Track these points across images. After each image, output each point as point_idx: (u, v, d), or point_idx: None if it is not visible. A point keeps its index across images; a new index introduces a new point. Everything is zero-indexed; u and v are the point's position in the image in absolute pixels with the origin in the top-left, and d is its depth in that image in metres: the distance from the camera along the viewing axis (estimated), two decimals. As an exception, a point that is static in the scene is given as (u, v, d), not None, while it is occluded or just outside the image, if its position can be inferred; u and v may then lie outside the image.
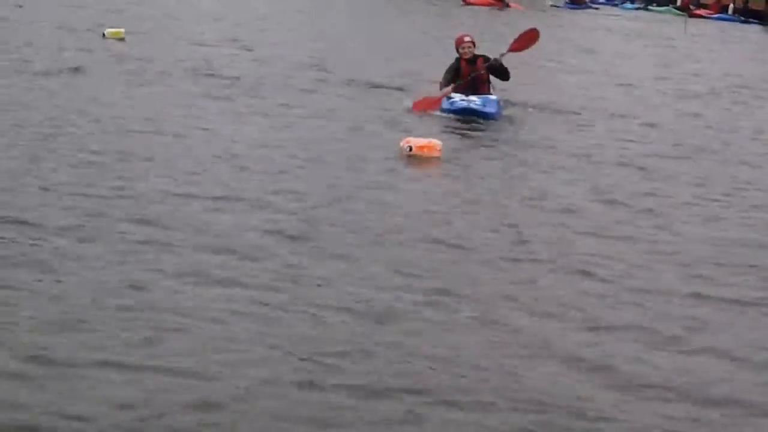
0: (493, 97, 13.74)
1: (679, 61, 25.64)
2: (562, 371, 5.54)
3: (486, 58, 13.78)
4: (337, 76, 16.47)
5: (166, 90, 13.98)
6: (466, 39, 13.93)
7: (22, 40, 17.65)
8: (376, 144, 11.40)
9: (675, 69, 23.23)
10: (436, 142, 10.98)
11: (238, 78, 15.48)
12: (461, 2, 41.12)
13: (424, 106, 13.57)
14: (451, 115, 13.22)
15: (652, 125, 14.49)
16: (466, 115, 13.18)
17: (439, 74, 13.94)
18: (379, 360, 5.47)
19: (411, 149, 10.75)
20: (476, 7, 39.83)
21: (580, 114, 14.77)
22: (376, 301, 6.31)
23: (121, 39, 18.92)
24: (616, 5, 49.37)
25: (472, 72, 13.67)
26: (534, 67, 19.00)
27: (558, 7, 46.10)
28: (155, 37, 20.07)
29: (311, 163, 10.18)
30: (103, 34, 18.98)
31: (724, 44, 33.73)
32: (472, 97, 13.43)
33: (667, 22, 40.47)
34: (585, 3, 46.61)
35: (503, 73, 13.87)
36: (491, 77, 13.92)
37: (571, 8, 45.42)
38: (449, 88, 13.64)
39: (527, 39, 14.36)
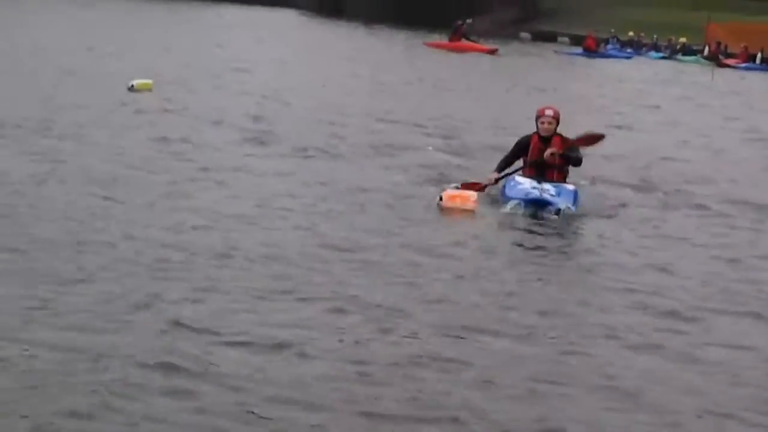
0: (569, 186, 11.02)
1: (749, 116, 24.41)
2: None
3: (565, 140, 11.15)
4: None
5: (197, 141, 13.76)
6: (548, 112, 11.25)
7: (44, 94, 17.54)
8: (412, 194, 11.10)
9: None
10: (470, 193, 10.57)
11: (263, 127, 15.36)
12: (423, 43, 41.38)
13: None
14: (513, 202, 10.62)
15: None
16: (535, 206, 10.54)
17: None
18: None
19: (441, 199, 10.33)
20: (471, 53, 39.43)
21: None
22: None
23: (149, 90, 18.74)
24: (630, 55, 48.59)
25: (541, 153, 11.09)
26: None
27: (560, 53, 45.87)
28: (183, 88, 19.93)
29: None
30: (132, 86, 18.78)
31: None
32: (546, 185, 10.77)
33: (699, 73, 40.13)
34: (598, 51, 46.28)
35: (576, 163, 11.31)
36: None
37: (587, 56, 45.04)
38: (511, 170, 11.26)
39: (591, 140, 11.47)
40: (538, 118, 11.29)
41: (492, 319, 7.06)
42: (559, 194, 10.67)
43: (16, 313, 6.34)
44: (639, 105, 25.16)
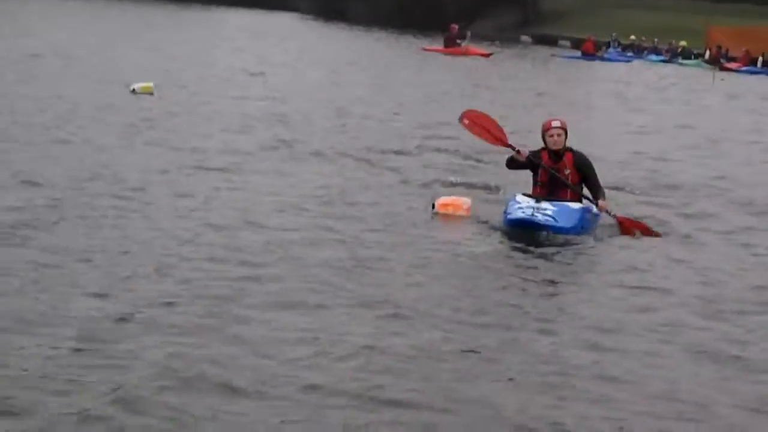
0: (575, 205, 9.99)
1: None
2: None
3: (576, 154, 10.26)
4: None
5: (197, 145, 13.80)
6: (555, 124, 10.24)
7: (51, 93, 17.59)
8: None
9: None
10: (463, 200, 10.58)
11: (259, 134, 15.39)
12: (421, 48, 41.54)
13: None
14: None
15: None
16: (527, 228, 9.64)
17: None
18: None
19: (434, 207, 10.33)
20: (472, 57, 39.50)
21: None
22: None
23: (150, 93, 18.80)
24: (630, 59, 48.55)
25: (553, 170, 10.17)
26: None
27: (558, 56, 45.93)
28: (184, 91, 19.98)
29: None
30: (133, 90, 18.85)
31: None
32: (545, 204, 9.85)
33: (700, 76, 40.12)
34: (596, 54, 46.40)
35: (597, 186, 10.31)
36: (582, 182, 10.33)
37: (586, 59, 45.12)
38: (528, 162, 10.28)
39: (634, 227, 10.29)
40: (545, 131, 10.25)
41: (494, 315, 7.16)
42: (558, 215, 9.71)
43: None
44: (634, 108, 25.20)
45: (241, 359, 5.99)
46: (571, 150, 10.25)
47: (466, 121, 10.71)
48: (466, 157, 14.43)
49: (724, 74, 37.62)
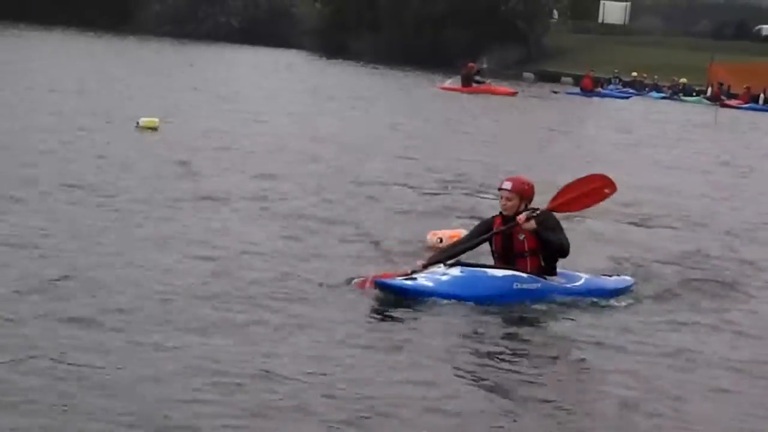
0: (498, 272, 8.46)
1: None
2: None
3: (533, 214, 8.66)
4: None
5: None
6: (505, 186, 8.78)
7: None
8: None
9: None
10: (461, 231, 10.68)
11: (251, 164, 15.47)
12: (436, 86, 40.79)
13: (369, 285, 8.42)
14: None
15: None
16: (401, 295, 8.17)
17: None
18: None
19: (441, 241, 10.45)
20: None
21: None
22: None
23: (155, 129, 18.94)
24: (629, 95, 48.64)
25: (505, 240, 8.72)
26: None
27: (558, 93, 46.12)
28: (190, 127, 20.10)
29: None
30: (137, 123, 19.00)
31: None
32: (451, 270, 8.39)
33: (702, 113, 40.19)
34: (594, 91, 46.70)
35: (556, 248, 8.67)
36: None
37: (584, 96, 45.36)
38: (436, 254, 8.92)
39: (590, 191, 8.99)
40: (498, 191, 8.94)
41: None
42: (456, 282, 8.22)
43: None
44: (629, 145, 25.34)
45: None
46: (532, 212, 8.69)
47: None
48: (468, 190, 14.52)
49: (724, 111, 37.65)
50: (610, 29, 74.50)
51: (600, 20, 78.49)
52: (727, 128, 33.92)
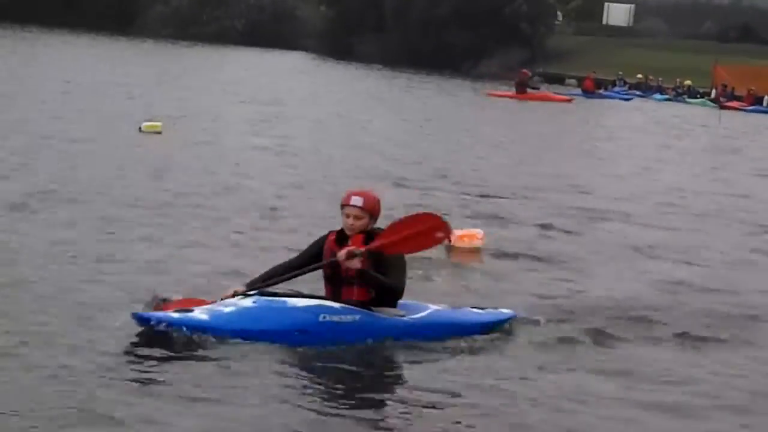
0: (331, 305, 7.12)
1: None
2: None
3: (357, 252, 7.07)
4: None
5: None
6: (354, 201, 7.25)
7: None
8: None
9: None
10: (477, 231, 10.75)
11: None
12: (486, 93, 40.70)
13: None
14: None
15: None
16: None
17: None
18: None
19: (450, 240, 10.42)
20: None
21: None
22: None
23: (158, 132, 18.97)
24: (630, 97, 48.56)
25: (331, 259, 7.17)
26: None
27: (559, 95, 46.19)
28: (192, 131, 20.10)
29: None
30: (140, 128, 19.03)
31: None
32: (244, 301, 7.02)
33: (706, 115, 40.11)
34: (595, 92, 46.74)
35: (384, 291, 7.21)
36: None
37: (585, 97, 45.39)
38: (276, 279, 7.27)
39: (417, 233, 7.26)
40: (342, 206, 7.32)
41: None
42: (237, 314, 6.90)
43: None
44: (630, 147, 25.34)
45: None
46: (371, 232, 7.23)
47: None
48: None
49: (726, 113, 37.64)
50: (615, 31, 74.40)
51: (604, 22, 78.43)
52: (730, 129, 33.90)
